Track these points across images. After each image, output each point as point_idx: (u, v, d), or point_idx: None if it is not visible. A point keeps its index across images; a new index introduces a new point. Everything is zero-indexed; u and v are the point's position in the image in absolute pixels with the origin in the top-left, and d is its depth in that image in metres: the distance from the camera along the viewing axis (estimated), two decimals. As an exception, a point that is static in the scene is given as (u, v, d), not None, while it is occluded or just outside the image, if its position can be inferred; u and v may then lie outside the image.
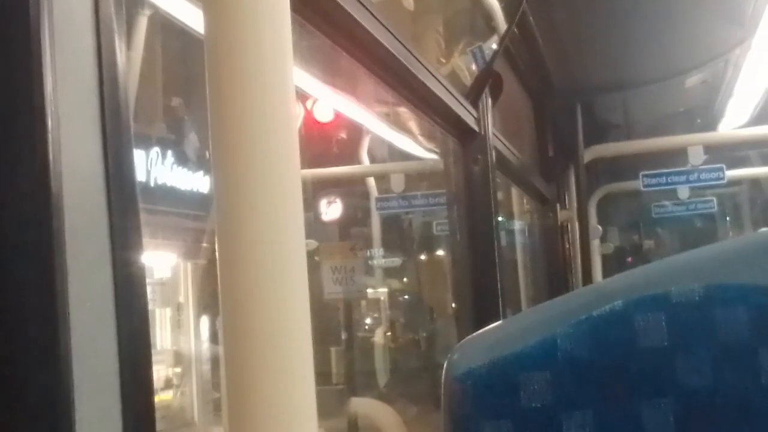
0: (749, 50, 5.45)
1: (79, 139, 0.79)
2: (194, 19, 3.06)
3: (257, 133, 0.70)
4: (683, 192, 8.21)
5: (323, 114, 6.36)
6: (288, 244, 0.70)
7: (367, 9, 1.94)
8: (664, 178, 6.98)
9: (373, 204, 7.37)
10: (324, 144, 6.94)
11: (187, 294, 9.73)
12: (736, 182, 9.77)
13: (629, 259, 10.63)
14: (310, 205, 7.68)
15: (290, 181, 0.71)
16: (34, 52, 0.73)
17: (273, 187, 0.70)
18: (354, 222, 8.75)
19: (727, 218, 11.76)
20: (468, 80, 3.58)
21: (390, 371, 8.29)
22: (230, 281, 0.70)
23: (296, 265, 0.71)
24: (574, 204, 6.48)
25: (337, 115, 6.37)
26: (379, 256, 8.32)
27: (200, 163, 8.69)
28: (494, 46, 3.60)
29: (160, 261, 9.05)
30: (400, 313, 10.41)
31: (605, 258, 7.76)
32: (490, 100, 3.36)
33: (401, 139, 6.48)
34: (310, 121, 6.30)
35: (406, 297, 10.80)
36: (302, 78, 4.55)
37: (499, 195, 4.49)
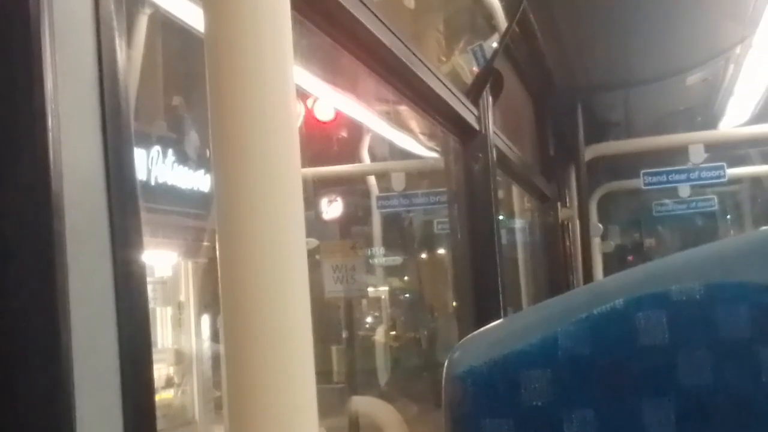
0: (750, 48, 5.45)
1: (79, 137, 0.79)
2: (194, 18, 3.06)
3: (258, 132, 0.70)
4: (684, 190, 8.22)
5: (324, 113, 6.36)
6: (288, 243, 0.70)
7: (367, 7, 1.94)
8: (664, 176, 6.98)
9: (373, 202, 7.37)
10: (325, 142, 6.94)
11: (187, 293, 9.73)
12: (736, 180, 9.78)
13: (630, 258, 10.64)
14: (311, 203, 7.68)
15: (291, 179, 0.71)
16: (35, 51, 0.73)
17: (273, 186, 0.70)
18: (355, 221, 8.75)
19: (728, 216, 11.76)
20: (468, 79, 3.58)
21: (391, 370, 8.29)
22: (231, 280, 0.70)
23: (297, 264, 0.71)
24: (575, 202, 6.48)
25: (338, 114, 6.37)
26: (379, 255, 8.32)
27: (201, 162, 8.68)
28: (495, 45, 3.60)
29: (161, 260, 9.05)
30: (401, 312, 10.41)
31: (606, 256, 7.76)
32: (490, 99, 3.36)
33: (402, 137, 6.48)
34: (310, 119, 6.30)
35: (407, 295, 10.79)
36: (303, 76, 4.55)
37: (500, 193, 4.49)
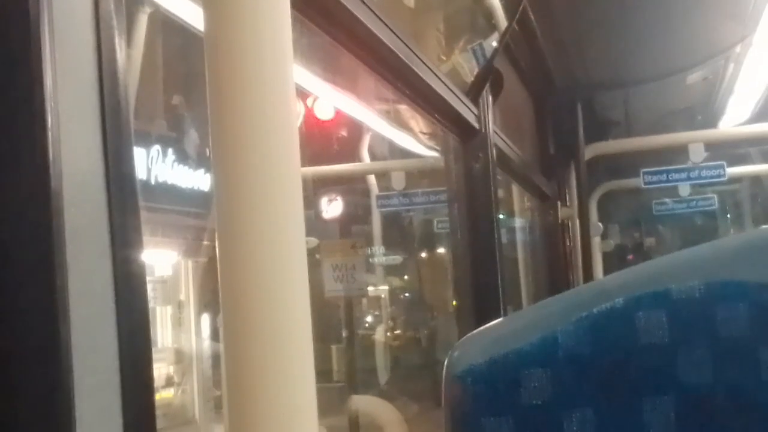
0: (750, 47, 5.45)
1: (79, 136, 0.79)
2: (195, 17, 3.06)
3: (257, 131, 0.70)
4: (684, 189, 8.22)
5: (324, 112, 6.36)
6: (288, 242, 0.70)
7: (367, 6, 1.94)
8: (664, 175, 6.98)
9: (373, 201, 7.38)
10: (325, 141, 6.94)
11: (187, 292, 9.73)
12: (736, 179, 9.79)
13: (630, 257, 10.64)
14: (311, 202, 7.68)
15: (290, 179, 0.71)
16: (34, 50, 0.73)
17: (273, 185, 0.70)
18: (355, 220, 8.75)
19: (728, 215, 11.77)
20: (468, 78, 3.57)
21: (391, 369, 8.30)
22: (230, 279, 0.70)
23: (296, 263, 0.71)
24: (575, 201, 6.48)
25: (338, 113, 6.37)
26: (379, 254, 8.33)
27: (201, 161, 8.68)
28: (495, 44, 3.60)
29: (161, 259, 9.05)
30: (401, 311, 10.42)
31: (606, 255, 7.76)
32: (490, 98, 3.36)
33: (402, 136, 6.48)
34: (310, 118, 6.30)
35: (407, 294, 10.80)
36: (303, 75, 4.55)
37: (500, 192, 4.49)
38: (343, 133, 7.25)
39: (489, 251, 3.25)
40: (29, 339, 0.72)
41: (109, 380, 0.80)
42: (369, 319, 9.66)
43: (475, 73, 3.47)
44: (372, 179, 7.38)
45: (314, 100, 6.19)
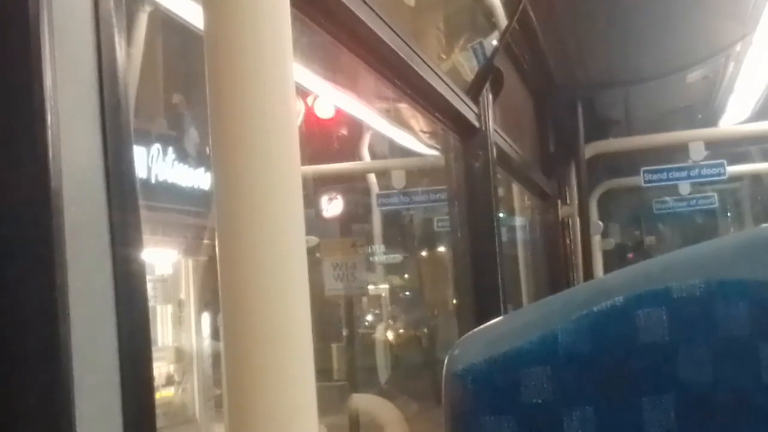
0: (750, 46, 5.44)
1: (78, 135, 0.79)
2: (195, 16, 3.06)
3: (257, 130, 0.70)
4: (684, 188, 8.22)
5: (324, 110, 6.36)
6: (288, 241, 0.70)
7: (367, 5, 1.94)
8: (665, 173, 6.98)
9: (374, 200, 7.38)
10: (325, 140, 6.94)
11: (188, 291, 9.73)
12: (737, 178, 9.78)
13: (630, 255, 10.64)
14: (311, 201, 7.69)
15: (290, 178, 0.71)
16: (34, 49, 0.73)
17: (273, 184, 0.70)
18: (355, 218, 8.76)
19: (728, 214, 11.77)
20: (469, 76, 3.57)
21: (391, 367, 8.30)
22: (230, 278, 0.70)
23: (296, 262, 0.71)
24: (575, 200, 6.47)
25: (338, 112, 6.37)
26: (380, 253, 8.33)
27: (201, 160, 8.68)
28: (495, 42, 3.60)
29: (162, 257, 9.06)
30: (401, 310, 10.42)
31: (606, 254, 7.76)
32: (490, 96, 3.36)
33: (402, 135, 6.48)
34: (311, 117, 6.30)
35: (407, 293, 10.80)
36: (303, 74, 4.54)
37: (500, 191, 4.49)
38: (344, 131, 7.25)
39: (489, 250, 3.25)
40: (29, 338, 0.72)
41: (109, 379, 0.80)
42: (369, 317, 9.66)
43: (475, 71, 3.47)
44: (372, 178, 7.39)
45: (314, 99, 6.19)
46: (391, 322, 9.55)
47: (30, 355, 0.72)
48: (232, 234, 0.70)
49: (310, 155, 6.31)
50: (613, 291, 0.93)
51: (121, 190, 0.83)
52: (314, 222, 7.69)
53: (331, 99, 5.92)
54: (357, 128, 6.97)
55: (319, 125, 6.48)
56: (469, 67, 3.78)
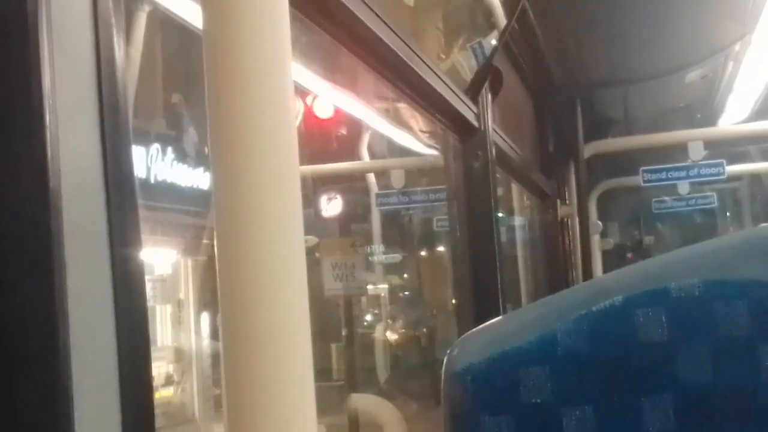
0: (749, 45, 5.45)
1: (77, 135, 0.79)
2: (194, 15, 3.06)
3: (256, 130, 0.70)
4: (683, 187, 8.22)
5: (323, 110, 6.36)
6: (287, 241, 0.70)
7: (366, 5, 1.94)
8: (664, 173, 6.98)
9: (373, 200, 7.38)
10: (324, 140, 6.94)
11: (187, 290, 9.72)
12: (736, 178, 9.79)
13: (629, 255, 10.64)
14: (311, 201, 7.69)
15: (289, 177, 0.71)
16: (33, 49, 0.73)
17: (272, 183, 0.70)
18: (354, 218, 8.76)
19: (727, 214, 11.77)
20: (468, 76, 3.57)
21: (390, 367, 8.30)
22: (229, 278, 0.70)
23: (295, 262, 0.71)
24: (575, 200, 6.48)
25: (337, 111, 6.37)
26: (379, 253, 8.33)
27: (200, 160, 8.68)
28: (494, 42, 3.60)
29: (161, 257, 9.05)
30: (401, 309, 10.42)
31: (605, 254, 7.76)
32: (489, 96, 3.35)
33: (401, 135, 6.48)
34: (310, 117, 6.30)
35: (407, 293, 10.80)
36: (302, 74, 4.54)
37: (499, 191, 4.49)
38: (343, 131, 7.25)
39: (488, 249, 3.25)
40: (28, 338, 0.72)
41: (108, 379, 0.79)
42: (368, 317, 9.66)
43: (474, 71, 3.47)
44: (371, 177, 7.39)
45: (314, 99, 6.19)
46: (390, 322, 9.54)
47: (29, 356, 0.72)
48: (231, 234, 0.70)
49: (309, 155, 6.31)
50: (612, 291, 0.93)
51: (120, 189, 0.83)
52: (313, 222, 7.69)
53: (330, 99, 5.92)
54: (356, 128, 6.98)
55: (318, 125, 6.48)
56: (468, 66, 3.78)
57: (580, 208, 6.36)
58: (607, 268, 7.11)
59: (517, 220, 6.50)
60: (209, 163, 0.72)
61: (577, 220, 6.39)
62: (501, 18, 3.58)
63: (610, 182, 7.85)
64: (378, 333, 8.76)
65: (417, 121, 5.80)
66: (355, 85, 5.45)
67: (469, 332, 0.99)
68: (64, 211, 0.74)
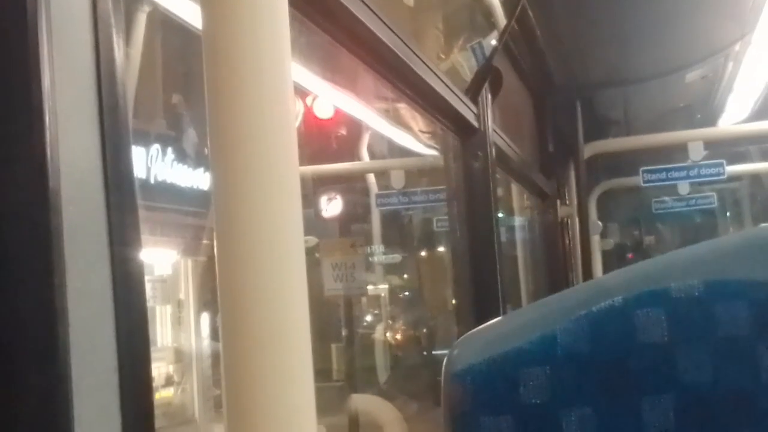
0: (749, 45, 5.45)
1: (77, 135, 0.79)
2: (193, 16, 3.06)
3: (255, 130, 0.70)
4: (683, 188, 8.22)
5: (323, 110, 6.36)
6: (287, 242, 0.70)
7: (366, 5, 1.94)
8: (664, 173, 6.98)
9: (373, 200, 7.38)
10: (324, 140, 6.94)
11: (187, 291, 9.72)
12: (736, 178, 9.79)
13: (629, 255, 10.65)
14: (311, 201, 7.68)
15: (289, 178, 0.71)
16: (32, 49, 0.73)
17: (271, 184, 0.70)
18: (354, 218, 8.75)
19: (728, 214, 11.77)
20: (468, 76, 3.57)
21: (390, 368, 8.30)
22: (229, 279, 0.70)
23: (295, 263, 0.71)
24: (575, 200, 6.48)
25: (337, 112, 6.37)
26: (379, 253, 8.33)
27: (200, 160, 8.68)
28: (494, 42, 3.60)
29: (161, 258, 9.05)
30: (401, 310, 10.41)
31: (605, 254, 7.77)
32: (489, 96, 3.36)
33: (401, 135, 6.48)
34: (309, 117, 6.30)
35: (407, 293, 10.80)
36: (302, 74, 4.54)
37: (499, 191, 4.49)
38: (343, 131, 7.25)
39: (488, 250, 3.25)
40: (28, 338, 0.72)
41: (108, 380, 0.79)
42: (368, 318, 9.66)
43: (474, 71, 3.47)
44: (371, 178, 7.38)
45: (313, 99, 6.19)
46: (390, 322, 9.54)
47: (29, 356, 0.72)
48: (231, 234, 0.70)
49: (309, 155, 6.31)
50: (612, 291, 0.93)
51: (120, 190, 0.83)
52: (313, 222, 7.69)
53: (330, 99, 5.92)
54: (356, 128, 6.97)
55: (318, 125, 6.48)
56: (468, 67, 3.78)
57: (580, 208, 6.36)
58: (607, 269, 7.12)
59: (517, 221, 6.50)
60: (209, 163, 0.72)
61: (577, 220, 6.40)
62: (501, 18, 3.58)
63: (610, 182, 7.86)
64: (378, 333, 8.75)
65: (417, 121, 5.80)
66: (354, 86, 5.45)
67: (469, 333, 0.99)
68: (64, 212, 0.74)
